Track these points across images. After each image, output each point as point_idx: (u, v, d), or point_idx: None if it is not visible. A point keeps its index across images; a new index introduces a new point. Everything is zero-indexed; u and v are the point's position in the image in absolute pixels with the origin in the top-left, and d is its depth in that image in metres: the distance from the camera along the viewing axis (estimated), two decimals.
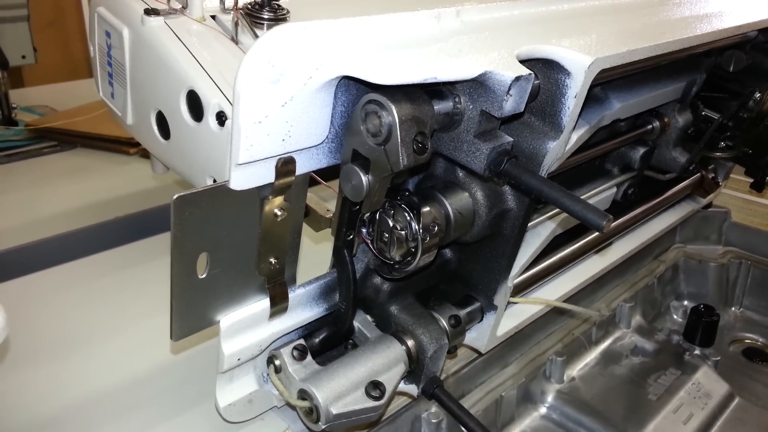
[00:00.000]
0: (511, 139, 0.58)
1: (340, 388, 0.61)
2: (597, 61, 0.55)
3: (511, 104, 0.53)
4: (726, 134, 1.03)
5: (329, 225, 0.67)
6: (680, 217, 1.13)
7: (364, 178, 0.56)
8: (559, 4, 0.70)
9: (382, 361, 0.65)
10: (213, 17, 0.80)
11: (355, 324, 0.70)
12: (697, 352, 1.09)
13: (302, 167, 0.56)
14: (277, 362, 0.65)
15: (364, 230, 0.64)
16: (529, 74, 0.53)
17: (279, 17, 0.76)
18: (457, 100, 0.56)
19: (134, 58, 0.80)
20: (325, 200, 0.82)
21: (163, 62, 0.74)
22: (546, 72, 0.58)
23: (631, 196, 0.96)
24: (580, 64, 0.55)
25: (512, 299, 0.76)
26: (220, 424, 0.67)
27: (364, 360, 0.64)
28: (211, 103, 0.69)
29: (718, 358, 1.07)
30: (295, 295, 0.64)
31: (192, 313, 0.58)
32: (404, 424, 0.79)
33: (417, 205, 0.60)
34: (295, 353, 0.65)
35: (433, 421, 0.80)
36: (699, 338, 1.09)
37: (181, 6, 0.78)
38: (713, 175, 1.17)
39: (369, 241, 0.64)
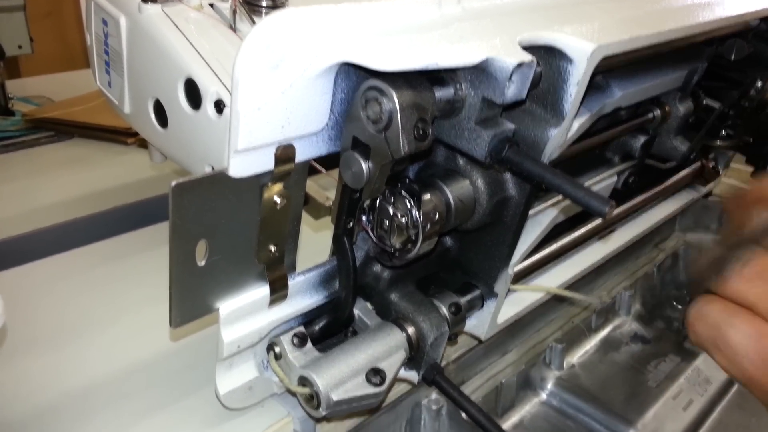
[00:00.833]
0: (513, 126, 0.58)
1: (341, 374, 0.61)
2: (599, 48, 0.55)
3: (513, 91, 0.53)
4: (727, 123, 1.02)
5: (329, 213, 0.67)
6: (681, 206, 1.13)
7: (365, 165, 0.55)
8: None
9: (383, 348, 0.65)
10: (211, 5, 0.80)
11: (356, 311, 0.70)
12: None
13: (302, 154, 0.56)
14: (277, 349, 0.65)
15: (364, 218, 0.64)
16: (532, 60, 0.53)
17: (277, 5, 0.75)
18: (458, 86, 0.56)
19: (131, 47, 0.79)
20: (324, 188, 0.82)
21: (161, 50, 0.74)
22: (548, 59, 0.57)
23: (632, 184, 0.95)
24: (583, 51, 0.55)
25: (513, 287, 0.76)
26: (220, 411, 0.67)
27: (364, 347, 0.64)
28: (209, 92, 0.69)
29: None
30: (294, 282, 0.64)
31: (191, 300, 0.58)
32: (405, 410, 0.79)
33: (417, 193, 0.60)
34: (295, 340, 0.65)
35: (434, 407, 0.80)
36: None
37: None
38: (714, 163, 1.17)
39: (369, 229, 0.64)
